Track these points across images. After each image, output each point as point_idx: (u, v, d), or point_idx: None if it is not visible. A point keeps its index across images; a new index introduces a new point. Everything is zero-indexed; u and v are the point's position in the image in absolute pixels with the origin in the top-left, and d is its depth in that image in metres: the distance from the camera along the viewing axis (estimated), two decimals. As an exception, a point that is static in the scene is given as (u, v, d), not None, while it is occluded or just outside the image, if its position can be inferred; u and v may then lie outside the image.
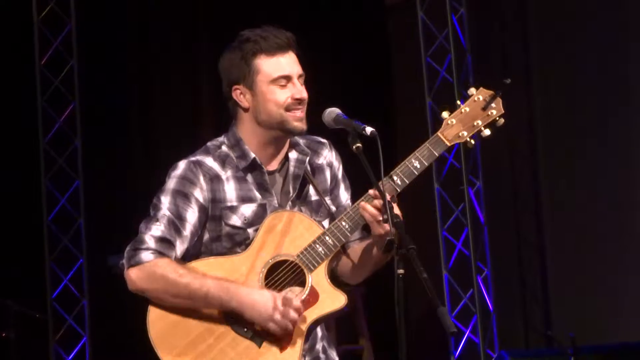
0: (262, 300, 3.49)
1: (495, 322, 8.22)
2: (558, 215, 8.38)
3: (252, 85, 3.60)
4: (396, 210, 3.46)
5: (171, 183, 3.61)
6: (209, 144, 3.69)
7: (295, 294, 3.54)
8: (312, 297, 3.54)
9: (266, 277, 3.56)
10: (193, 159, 3.64)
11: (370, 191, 3.51)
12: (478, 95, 3.67)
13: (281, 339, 3.52)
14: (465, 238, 8.26)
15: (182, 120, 9.00)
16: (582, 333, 7.41)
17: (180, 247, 3.57)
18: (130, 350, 7.82)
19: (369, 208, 3.50)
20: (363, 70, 8.91)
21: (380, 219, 3.47)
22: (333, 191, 3.75)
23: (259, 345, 3.52)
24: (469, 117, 3.65)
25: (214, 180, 3.61)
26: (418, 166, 3.58)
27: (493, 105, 3.66)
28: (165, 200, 3.59)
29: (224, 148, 3.66)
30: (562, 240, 8.34)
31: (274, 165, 3.68)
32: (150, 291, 3.54)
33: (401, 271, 3.22)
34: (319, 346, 3.67)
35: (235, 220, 3.59)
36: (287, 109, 3.59)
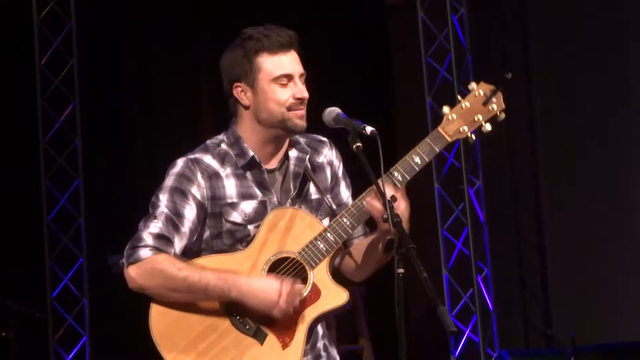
0: (261, 287, 3.50)
1: (495, 322, 8.22)
2: (558, 215, 8.38)
3: (253, 83, 3.61)
4: (403, 203, 3.46)
5: (169, 181, 3.62)
6: (208, 142, 3.70)
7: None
8: (314, 294, 3.55)
9: (268, 274, 3.56)
10: (191, 156, 3.65)
11: (373, 187, 3.50)
12: (479, 90, 3.65)
13: (283, 336, 3.53)
14: (465, 237, 8.26)
15: (182, 120, 9.00)
16: (582, 333, 7.41)
17: (178, 244, 3.57)
18: (130, 350, 7.84)
19: (375, 204, 3.49)
20: (363, 70, 8.91)
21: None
22: (333, 189, 3.75)
23: (261, 343, 3.53)
24: (470, 112, 3.64)
25: (213, 177, 3.62)
26: (419, 162, 3.58)
27: (494, 100, 3.64)
28: (163, 198, 3.60)
29: (223, 146, 3.67)
30: (562, 240, 8.34)
31: (273, 164, 3.68)
32: (150, 288, 3.54)
33: (401, 270, 3.22)
34: (320, 344, 3.67)
35: (236, 216, 3.60)
36: (289, 108, 3.60)
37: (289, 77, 3.60)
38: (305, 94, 3.62)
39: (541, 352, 7.85)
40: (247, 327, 3.54)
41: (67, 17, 8.87)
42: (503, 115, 3.66)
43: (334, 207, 3.71)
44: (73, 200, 8.77)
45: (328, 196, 3.72)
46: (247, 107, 3.64)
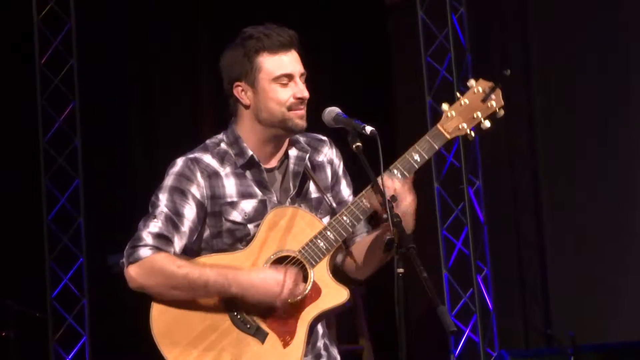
0: (261, 279, 3.50)
1: (495, 322, 8.22)
2: (558, 215, 8.38)
3: (254, 82, 3.61)
4: (409, 197, 3.47)
5: (169, 180, 3.63)
6: (207, 141, 3.71)
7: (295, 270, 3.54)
8: (314, 293, 3.55)
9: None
10: (191, 156, 3.66)
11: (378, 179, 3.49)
12: (477, 87, 3.65)
13: (284, 335, 3.53)
14: (465, 237, 8.26)
15: (182, 120, 8.99)
16: (582, 332, 7.41)
17: (178, 243, 3.57)
18: (130, 350, 7.84)
19: (378, 198, 3.48)
20: (363, 70, 8.91)
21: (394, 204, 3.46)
22: (334, 188, 3.75)
23: (262, 342, 3.53)
24: (469, 109, 3.63)
25: (212, 176, 3.62)
26: (418, 159, 3.58)
27: (493, 96, 3.63)
28: (163, 198, 3.60)
29: (223, 145, 3.67)
30: (562, 240, 8.34)
31: (272, 163, 3.68)
32: (151, 286, 3.55)
33: (401, 270, 3.22)
34: (320, 343, 3.67)
35: (236, 215, 3.60)
36: (289, 107, 3.60)
37: (290, 77, 3.61)
38: (306, 94, 3.62)
39: (541, 351, 7.85)
40: (248, 326, 3.54)
41: (67, 17, 8.87)
42: (502, 112, 3.65)
43: (334, 205, 3.71)
44: (73, 200, 8.77)
45: (328, 195, 3.72)
46: (247, 107, 3.65)
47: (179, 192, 3.60)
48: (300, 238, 3.58)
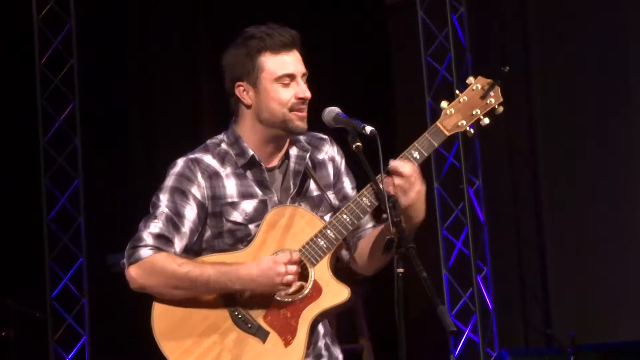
0: (260, 270, 3.49)
1: (495, 321, 8.22)
2: (558, 215, 8.38)
3: (255, 82, 3.61)
4: (418, 184, 3.47)
5: (169, 181, 3.63)
6: (208, 141, 3.71)
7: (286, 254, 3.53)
8: (315, 292, 3.55)
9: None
10: (191, 156, 3.66)
11: (391, 162, 3.49)
12: (476, 84, 3.66)
13: (285, 334, 3.53)
14: (465, 237, 8.26)
15: (182, 120, 9.00)
16: (582, 332, 7.41)
17: (179, 244, 3.57)
18: (130, 350, 7.84)
19: (395, 181, 3.47)
20: (363, 70, 8.91)
21: (407, 186, 3.46)
22: (336, 185, 3.75)
23: (264, 341, 3.53)
24: (468, 106, 3.64)
25: (213, 177, 3.62)
26: (418, 157, 3.58)
27: (492, 93, 3.64)
28: (164, 198, 3.60)
29: (223, 146, 3.68)
30: (562, 240, 8.34)
31: (273, 162, 3.68)
32: (152, 286, 3.55)
33: (401, 270, 3.22)
34: (321, 343, 3.67)
35: (236, 216, 3.60)
36: (291, 108, 3.60)
37: (292, 77, 3.61)
38: (308, 94, 3.62)
39: (541, 351, 7.84)
40: (249, 325, 3.54)
41: (67, 17, 8.87)
42: (501, 109, 3.66)
43: (337, 202, 3.71)
44: (73, 200, 8.77)
45: (329, 192, 3.72)
46: (248, 107, 3.64)
47: (180, 192, 3.60)
48: (301, 237, 3.58)
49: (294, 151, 3.70)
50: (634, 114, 7.97)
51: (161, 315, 3.55)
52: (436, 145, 3.60)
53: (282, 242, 3.57)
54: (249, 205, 3.61)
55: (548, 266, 8.43)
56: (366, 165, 3.41)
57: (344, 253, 3.73)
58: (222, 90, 3.71)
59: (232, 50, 3.65)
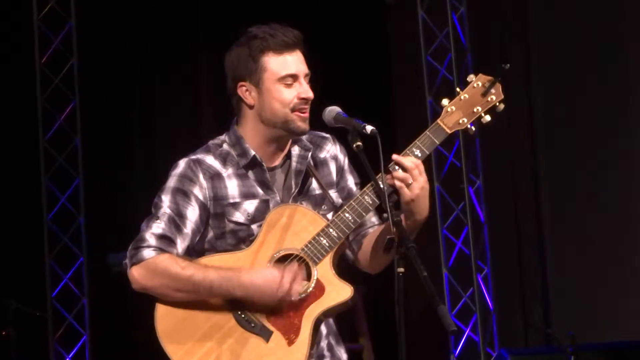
0: (263, 279, 3.49)
1: (495, 321, 8.22)
2: (558, 215, 8.38)
3: (258, 82, 3.61)
4: (422, 179, 3.50)
5: (171, 181, 3.63)
6: (209, 142, 3.71)
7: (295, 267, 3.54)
8: (318, 290, 3.55)
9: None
10: (193, 157, 3.66)
11: (394, 156, 3.50)
12: (477, 81, 3.67)
13: (289, 333, 3.53)
14: (466, 236, 8.26)
15: (182, 120, 8.99)
16: (582, 332, 7.40)
17: (181, 245, 3.57)
18: (130, 349, 7.84)
19: (398, 174, 3.48)
20: (363, 70, 8.91)
21: (410, 182, 3.46)
22: (340, 183, 3.75)
23: (267, 340, 3.53)
24: (469, 103, 3.64)
25: (215, 178, 3.62)
26: (419, 154, 3.58)
27: (492, 91, 3.64)
28: (166, 199, 3.60)
29: (225, 146, 3.68)
30: (562, 240, 8.33)
31: (275, 162, 3.69)
32: (154, 288, 3.54)
33: (401, 270, 3.23)
34: (323, 343, 3.67)
35: (239, 216, 3.60)
36: (293, 108, 3.60)
37: (294, 77, 3.61)
38: (310, 94, 3.62)
39: (541, 351, 7.84)
40: (252, 324, 3.54)
41: (67, 17, 8.86)
42: (502, 106, 3.66)
43: (340, 200, 3.71)
44: (73, 199, 8.77)
45: (332, 191, 3.72)
46: (251, 107, 3.65)
47: (182, 193, 3.60)
48: (303, 236, 3.58)
49: (295, 150, 3.70)
50: (634, 113, 7.97)
51: (164, 316, 3.55)
52: (437, 142, 3.60)
53: (284, 241, 3.57)
54: (250, 206, 3.61)
55: (548, 265, 8.43)
56: (367, 165, 3.41)
57: (349, 252, 3.73)
58: (223, 90, 3.71)
59: (235, 50, 3.65)
